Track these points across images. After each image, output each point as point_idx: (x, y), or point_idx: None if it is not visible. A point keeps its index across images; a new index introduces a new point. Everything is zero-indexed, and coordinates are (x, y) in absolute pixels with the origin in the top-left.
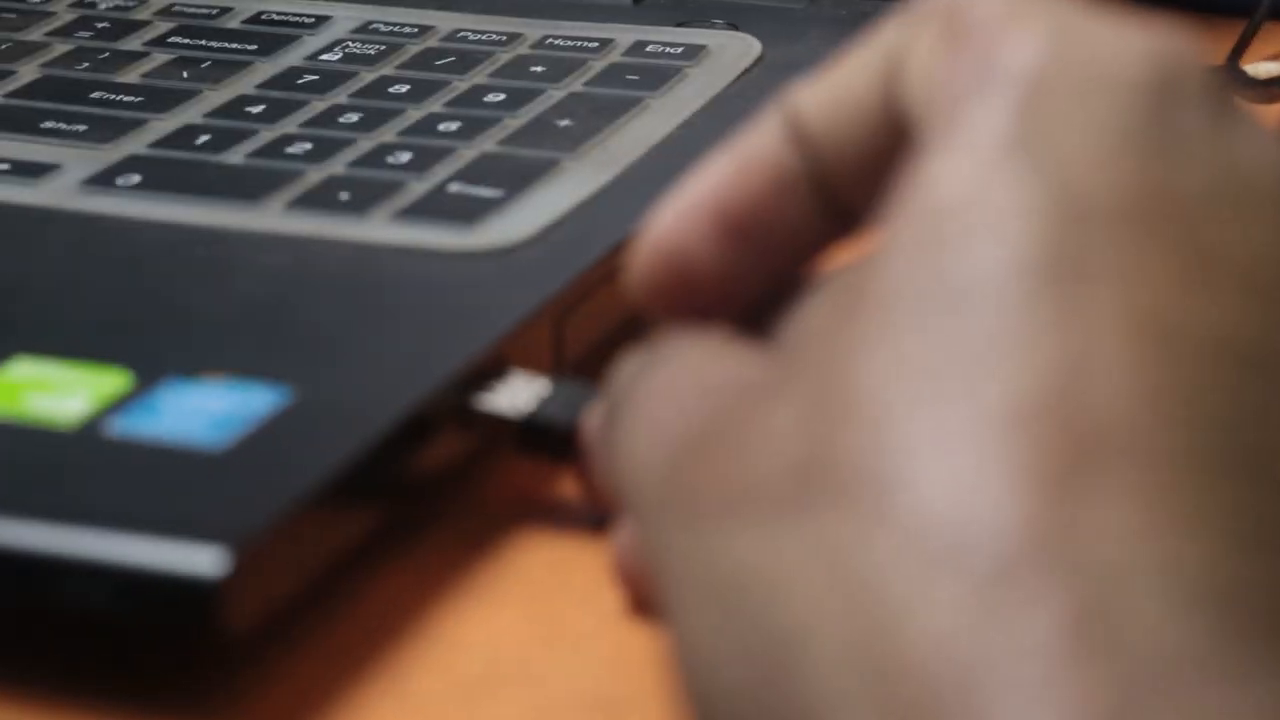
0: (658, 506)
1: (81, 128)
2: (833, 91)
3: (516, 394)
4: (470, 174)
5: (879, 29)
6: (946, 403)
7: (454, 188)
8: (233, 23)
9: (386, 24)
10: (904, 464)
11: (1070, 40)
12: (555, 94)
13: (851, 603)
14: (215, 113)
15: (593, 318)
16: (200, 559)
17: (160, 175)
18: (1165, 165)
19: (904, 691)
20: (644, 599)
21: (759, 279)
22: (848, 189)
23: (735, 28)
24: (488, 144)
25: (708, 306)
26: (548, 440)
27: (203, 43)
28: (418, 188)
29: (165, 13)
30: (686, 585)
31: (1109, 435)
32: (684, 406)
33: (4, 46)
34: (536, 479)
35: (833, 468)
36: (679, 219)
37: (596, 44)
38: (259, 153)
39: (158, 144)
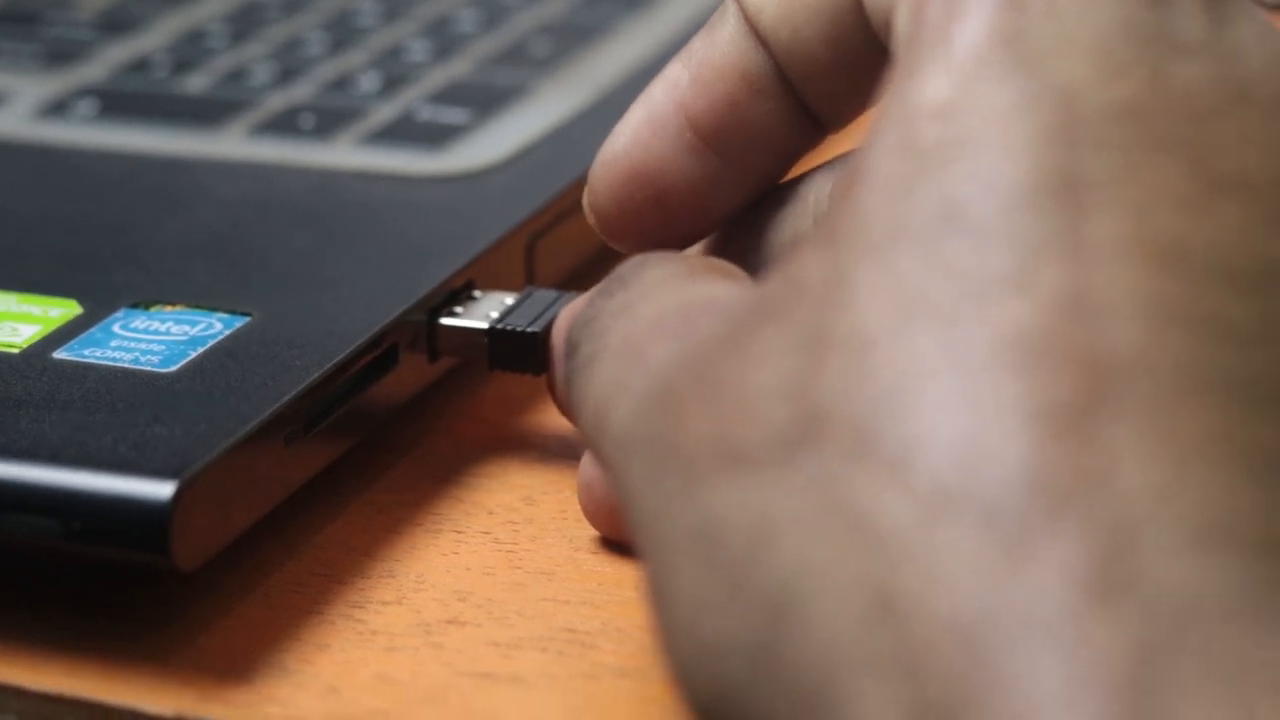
0: (634, 452)
1: (35, 55)
2: None
3: (483, 309)
4: (439, 98)
5: None
6: (945, 339)
7: (422, 112)
8: None
9: None
10: (902, 408)
11: None
12: (527, 16)
13: (853, 549)
14: (173, 39)
15: (565, 244)
16: (146, 489)
17: (117, 103)
18: (1162, 58)
19: (917, 631)
20: (615, 530)
21: (733, 192)
22: (817, 89)
23: None
24: (457, 68)
25: (680, 226)
26: (517, 348)
27: None
28: (384, 112)
29: None
30: (669, 537)
31: (1119, 372)
32: (664, 347)
33: None
34: (504, 410)
35: (825, 412)
36: (642, 131)
37: None
38: (219, 80)
39: (114, 71)
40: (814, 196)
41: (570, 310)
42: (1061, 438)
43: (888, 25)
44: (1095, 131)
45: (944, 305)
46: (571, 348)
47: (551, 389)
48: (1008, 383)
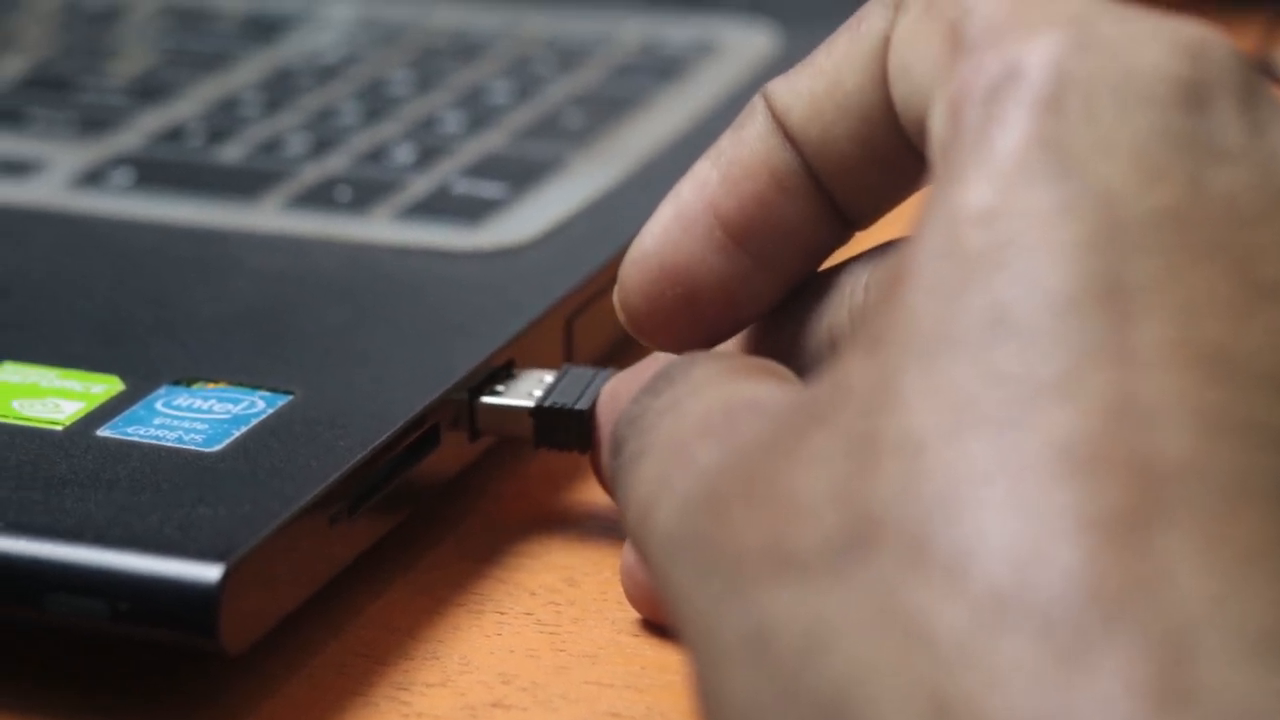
0: (678, 552)
1: (69, 122)
2: (818, 85)
3: (525, 387)
4: (474, 171)
5: (860, 13)
6: (996, 445)
7: (458, 186)
8: (226, 13)
9: (386, 14)
10: (956, 514)
11: (1089, 34)
12: (561, 88)
13: (910, 655)
14: (209, 108)
15: (603, 321)
16: (193, 572)
17: (152, 173)
18: (1200, 164)
19: None
20: (658, 614)
21: (763, 290)
22: (846, 187)
23: (756, 12)
24: (491, 140)
25: (710, 323)
26: (564, 425)
27: (195, 34)
28: (420, 185)
29: (155, 6)
30: (717, 639)
31: (1170, 480)
32: (709, 447)
33: None
34: (544, 489)
35: (878, 517)
36: (672, 230)
37: (604, 35)
38: (255, 150)
39: (148, 140)
40: (849, 288)
41: (612, 390)
42: (1115, 545)
43: (920, 126)
44: (1137, 237)
45: (994, 410)
46: (618, 444)
47: (595, 466)
48: (1060, 490)
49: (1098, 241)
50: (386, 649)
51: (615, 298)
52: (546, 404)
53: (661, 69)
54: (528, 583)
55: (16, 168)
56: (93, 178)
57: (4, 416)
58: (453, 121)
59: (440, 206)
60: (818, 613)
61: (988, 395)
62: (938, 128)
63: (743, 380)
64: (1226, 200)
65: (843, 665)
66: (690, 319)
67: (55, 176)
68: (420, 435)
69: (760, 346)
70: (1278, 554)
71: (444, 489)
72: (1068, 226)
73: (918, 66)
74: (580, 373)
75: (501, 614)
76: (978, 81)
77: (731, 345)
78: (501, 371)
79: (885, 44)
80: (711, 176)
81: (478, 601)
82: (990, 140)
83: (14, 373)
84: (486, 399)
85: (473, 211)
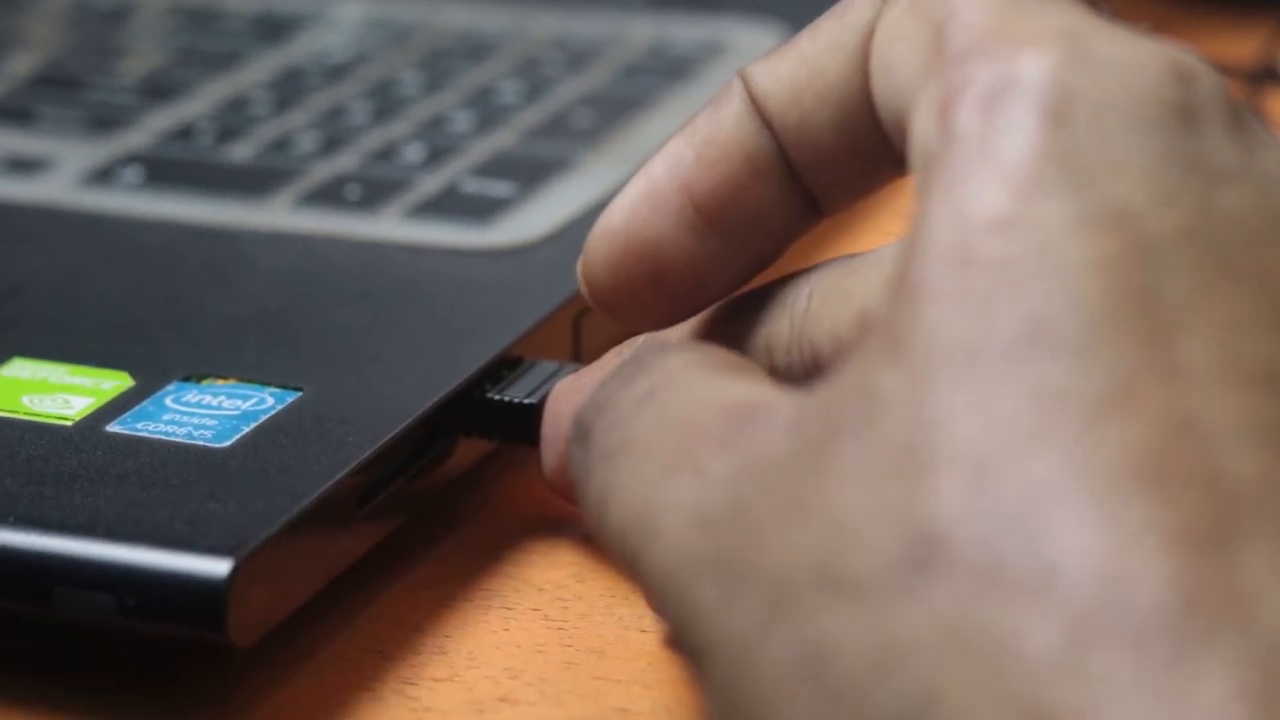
0: (698, 571)
1: (79, 120)
2: (799, 71)
3: (532, 383)
4: (483, 170)
5: (847, 1)
6: (1062, 462)
7: (467, 185)
8: (235, 13)
9: (393, 15)
10: (1034, 532)
11: (1084, 50)
12: (570, 88)
13: (998, 672)
14: (218, 106)
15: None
16: (203, 567)
17: (162, 171)
18: (1206, 185)
19: None
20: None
21: (730, 271)
22: (820, 174)
23: (764, 12)
24: (500, 139)
25: (674, 301)
26: (509, 420)
27: (204, 34)
28: (429, 184)
29: (165, 4)
30: (765, 663)
31: (1244, 496)
32: (722, 458)
33: None
34: None
35: (943, 538)
36: (642, 207)
37: (612, 35)
38: (264, 148)
39: (158, 138)
40: (790, 299)
41: (568, 387)
42: (1203, 559)
43: (899, 124)
44: (1165, 254)
45: (1051, 427)
46: (583, 431)
47: (544, 460)
48: (1138, 505)
49: (1127, 258)
50: (394, 644)
51: (579, 270)
52: (496, 398)
53: (670, 69)
54: (535, 579)
55: (26, 166)
56: (102, 176)
57: (14, 412)
58: (462, 121)
59: (450, 205)
60: (886, 632)
61: (1041, 412)
62: (921, 130)
63: (727, 377)
64: (1238, 220)
65: (919, 683)
66: (654, 296)
67: (65, 175)
68: (429, 432)
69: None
70: None
71: (452, 485)
72: (1094, 241)
73: (900, 65)
74: (544, 367)
75: (509, 609)
76: (970, 88)
77: (682, 333)
78: (510, 368)
79: (870, 36)
80: (686, 155)
81: (485, 597)
82: (997, 147)
83: (24, 368)
84: (493, 395)
85: (482, 210)
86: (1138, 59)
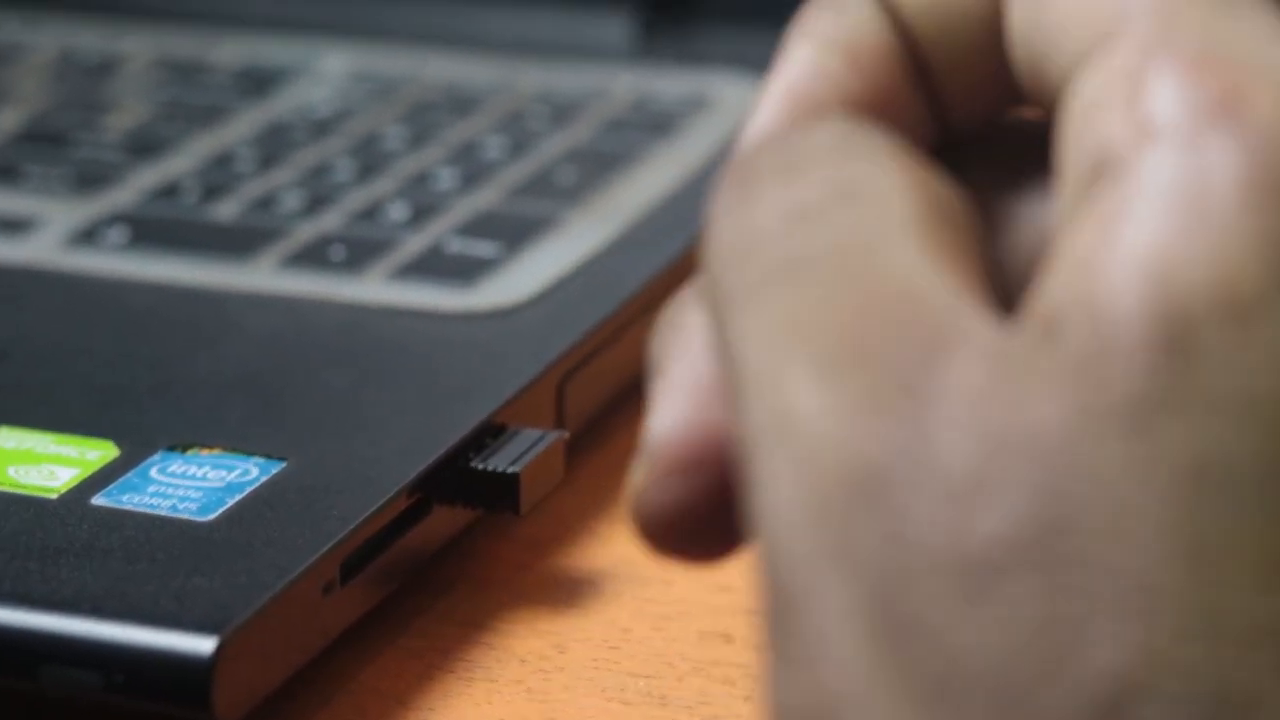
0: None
1: (63, 178)
2: None
3: (514, 451)
4: (468, 230)
5: None
6: None
7: (451, 245)
8: (220, 66)
9: (378, 69)
10: None
11: None
12: (554, 143)
13: None
14: (203, 163)
15: (596, 382)
16: (189, 644)
17: (147, 231)
18: None
19: None
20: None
21: None
22: (947, 86)
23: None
24: (485, 197)
25: None
26: (491, 488)
27: (189, 87)
28: (414, 244)
29: (150, 57)
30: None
31: None
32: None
33: None
34: (532, 554)
35: None
36: (779, 115)
37: (596, 89)
38: (249, 207)
39: (143, 197)
40: None
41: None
42: None
43: (1037, 72)
44: None
45: None
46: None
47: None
48: None
49: None
50: (378, 717)
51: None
52: (479, 467)
53: (654, 124)
54: (517, 649)
55: (11, 226)
56: (87, 236)
57: (0, 484)
58: (446, 178)
59: (434, 266)
60: None
61: None
62: (1102, 121)
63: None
64: None
65: None
66: None
67: (50, 235)
68: (411, 505)
69: None
70: None
71: (435, 555)
72: None
73: (1076, 38)
74: (528, 435)
75: (492, 682)
76: (1165, 89)
77: None
78: (492, 436)
79: None
80: (832, 64)
81: (467, 669)
82: (1185, 169)
83: (9, 438)
84: (476, 464)
85: (466, 271)
86: None
